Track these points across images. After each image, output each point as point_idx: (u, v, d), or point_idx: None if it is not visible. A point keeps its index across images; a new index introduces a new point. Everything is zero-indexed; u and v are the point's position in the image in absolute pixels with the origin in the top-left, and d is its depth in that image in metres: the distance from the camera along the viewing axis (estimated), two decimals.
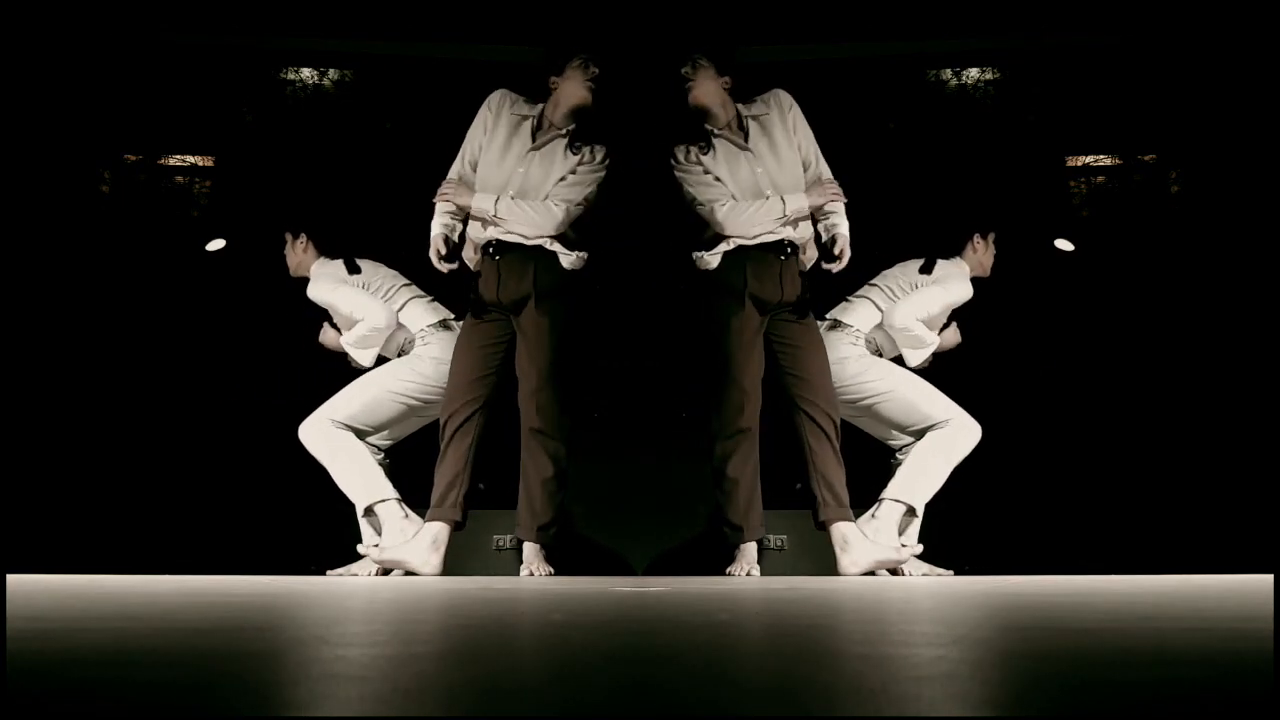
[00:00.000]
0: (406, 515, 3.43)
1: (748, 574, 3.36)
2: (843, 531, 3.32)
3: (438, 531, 3.33)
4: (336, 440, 3.48)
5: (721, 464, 3.38)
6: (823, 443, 3.35)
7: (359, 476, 3.46)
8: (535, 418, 3.37)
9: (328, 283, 3.63)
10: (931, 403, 3.48)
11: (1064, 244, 4.93)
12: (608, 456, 4.48)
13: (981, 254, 3.75)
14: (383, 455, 3.58)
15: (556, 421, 3.38)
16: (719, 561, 3.54)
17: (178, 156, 5.09)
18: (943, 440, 3.45)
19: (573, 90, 3.49)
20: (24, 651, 0.93)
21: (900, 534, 3.43)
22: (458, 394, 3.40)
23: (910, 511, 3.43)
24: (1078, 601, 1.72)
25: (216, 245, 4.90)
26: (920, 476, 3.44)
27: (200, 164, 5.10)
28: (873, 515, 3.43)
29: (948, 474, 3.46)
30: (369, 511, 3.46)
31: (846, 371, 3.51)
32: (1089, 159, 5.09)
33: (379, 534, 3.44)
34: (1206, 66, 4.67)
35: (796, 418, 3.39)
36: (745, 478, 3.36)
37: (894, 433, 3.58)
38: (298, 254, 3.73)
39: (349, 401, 3.51)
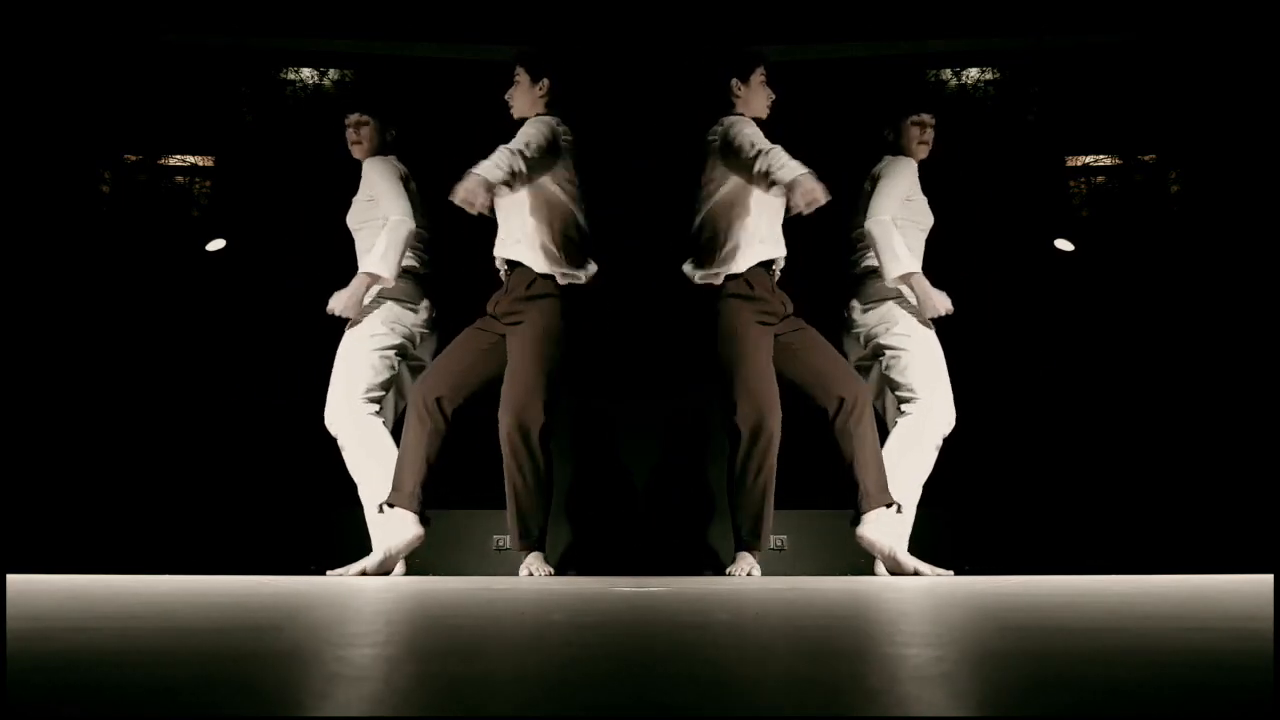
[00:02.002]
0: None
1: (748, 574, 3.36)
2: (879, 512, 3.37)
3: (403, 512, 3.39)
4: (368, 430, 3.52)
5: (743, 474, 3.39)
6: (862, 426, 3.37)
7: (378, 470, 3.49)
8: (512, 430, 3.39)
9: (388, 173, 3.65)
10: (924, 375, 3.51)
11: (1064, 244, 4.93)
12: (608, 456, 4.49)
13: (916, 143, 3.68)
14: None
15: (534, 433, 3.39)
16: (718, 561, 3.54)
17: (178, 156, 5.09)
18: (910, 432, 3.47)
19: (520, 98, 3.58)
20: (24, 651, 0.93)
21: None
22: (434, 372, 3.48)
23: (898, 510, 3.44)
24: (1078, 601, 1.72)
25: (216, 245, 4.91)
26: (898, 473, 3.45)
27: (200, 164, 5.10)
28: None
29: (930, 464, 3.48)
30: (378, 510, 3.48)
31: (878, 312, 3.55)
32: (1089, 159, 5.09)
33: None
34: (1206, 66, 4.67)
35: (830, 408, 3.38)
36: (763, 484, 3.38)
37: (883, 390, 3.60)
38: (364, 139, 3.74)
39: (358, 376, 3.54)
